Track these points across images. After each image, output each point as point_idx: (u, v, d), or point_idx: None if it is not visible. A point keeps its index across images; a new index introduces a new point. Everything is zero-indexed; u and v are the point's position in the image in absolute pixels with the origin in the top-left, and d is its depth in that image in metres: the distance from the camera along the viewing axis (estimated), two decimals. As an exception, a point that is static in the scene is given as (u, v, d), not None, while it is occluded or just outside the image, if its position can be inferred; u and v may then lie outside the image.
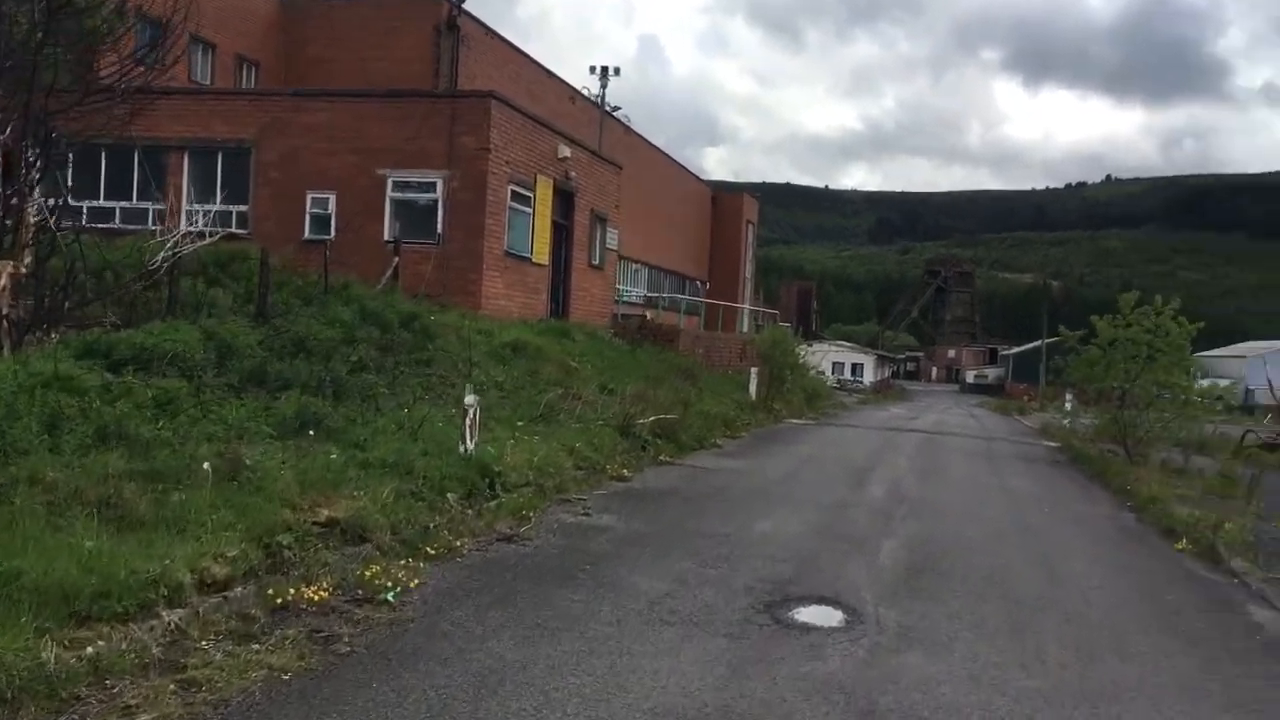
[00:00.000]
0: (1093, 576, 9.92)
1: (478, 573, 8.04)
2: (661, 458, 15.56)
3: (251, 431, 9.42)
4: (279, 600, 6.51)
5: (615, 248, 29.78)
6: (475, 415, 10.72)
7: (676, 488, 13.31)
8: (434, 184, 21.72)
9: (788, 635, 7.05)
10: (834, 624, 7.45)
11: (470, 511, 9.57)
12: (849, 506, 12.98)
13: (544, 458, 12.08)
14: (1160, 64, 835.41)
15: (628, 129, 42.88)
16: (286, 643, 5.95)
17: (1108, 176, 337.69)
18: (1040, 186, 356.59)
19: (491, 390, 15.21)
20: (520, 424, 13.79)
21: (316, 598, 6.66)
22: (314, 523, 7.54)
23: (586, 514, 10.83)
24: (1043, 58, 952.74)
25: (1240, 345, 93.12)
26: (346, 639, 6.20)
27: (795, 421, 28.09)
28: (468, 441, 10.62)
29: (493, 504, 10.01)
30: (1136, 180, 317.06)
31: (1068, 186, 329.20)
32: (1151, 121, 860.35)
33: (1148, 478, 17.37)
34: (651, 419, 16.45)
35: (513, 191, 22.67)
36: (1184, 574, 10.53)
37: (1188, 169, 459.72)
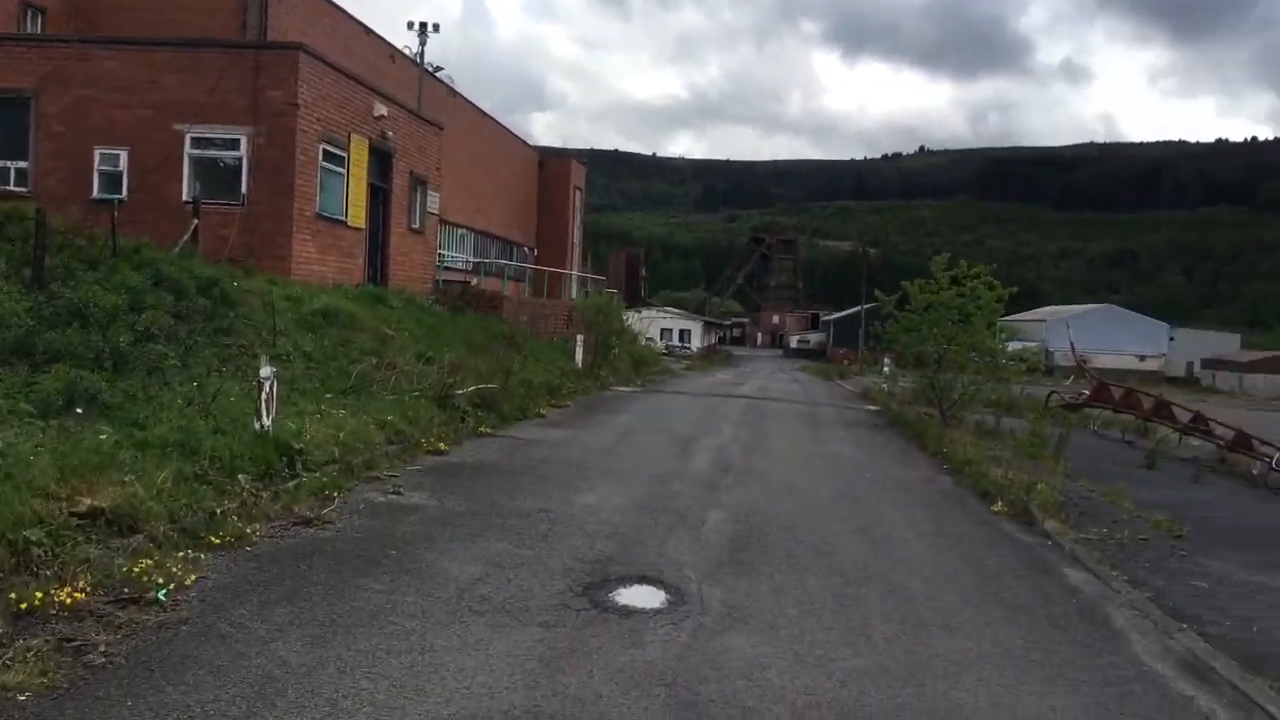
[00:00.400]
0: (915, 544, 9.86)
1: (268, 563, 7.29)
2: (481, 429, 14.92)
3: (5, 411, 8.36)
4: (23, 605, 5.64)
5: (436, 211, 28.76)
6: (272, 388, 9.86)
7: (496, 461, 12.71)
8: (238, 141, 20.39)
9: (607, 621, 6.60)
10: (656, 605, 7.05)
11: (266, 494, 8.75)
12: (674, 477, 12.65)
13: (352, 432, 11.30)
14: (968, 40, 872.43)
15: (452, 90, 41.50)
16: (28, 656, 5.11)
17: (921, 148, 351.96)
18: (859, 157, 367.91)
19: (298, 360, 14.31)
20: (329, 396, 12.98)
21: (70, 601, 5.82)
22: (73, 513, 6.66)
23: (397, 492, 10.13)
24: (859, 31, 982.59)
25: (1041, 309, 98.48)
26: (103, 648, 5.41)
27: (622, 389, 27.81)
28: (264, 417, 9.76)
29: (292, 485, 9.20)
30: (947, 152, 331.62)
31: (884, 157, 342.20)
32: (960, 95, 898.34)
33: (963, 440, 17.76)
34: (471, 389, 15.79)
35: (325, 150, 21.49)
36: (1001, 537, 10.61)
37: (993, 142, 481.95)
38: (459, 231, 39.52)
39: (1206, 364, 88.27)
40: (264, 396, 9.75)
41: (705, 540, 9.16)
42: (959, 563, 9.21)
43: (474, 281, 33.44)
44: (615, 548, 8.55)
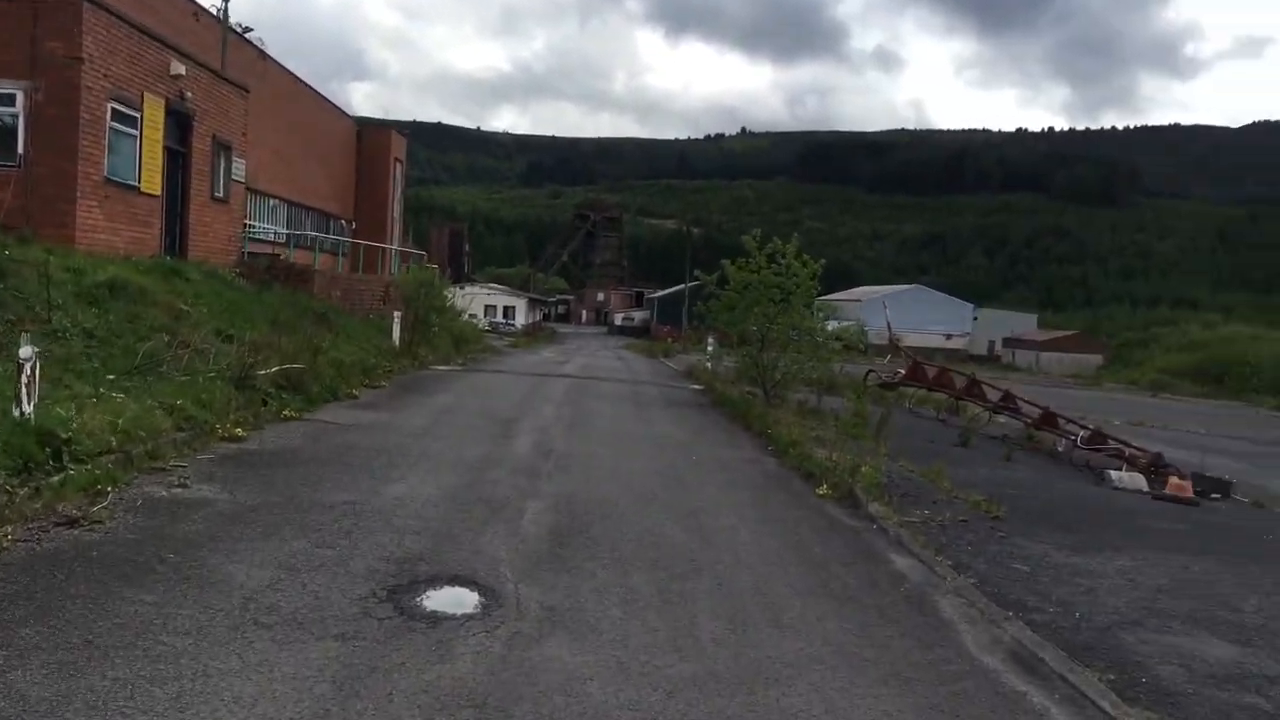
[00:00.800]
0: (741, 531, 9.54)
1: (18, 573, 6.31)
2: (286, 413, 13.88)
3: None
4: None
5: (243, 179, 27.05)
6: (34, 369, 8.74)
7: (299, 448, 11.77)
8: (13, 96, 18.48)
9: (412, 630, 5.96)
10: (468, 610, 6.45)
11: (23, 491, 7.69)
12: (492, 464, 12.00)
13: (134, 418, 10.19)
14: (786, 24, 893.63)
15: (262, 54, 39.15)
16: None
17: (742, 129, 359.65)
18: (682, 136, 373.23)
19: (76, 338, 12.99)
20: (110, 378, 11.75)
21: None
22: None
23: (183, 485, 9.16)
24: (682, 11, 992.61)
25: (856, 289, 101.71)
26: None
27: (442, 368, 26.88)
28: (25, 403, 8.65)
29: (56, 479, 8.14)
30: (767, 134, 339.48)
31: (707, 137, 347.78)
32: (779, 78, 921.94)
33: (786, 420, 17.74)
34: (275, 369, 14.71)
35: (114, 110, 19.75)
36: (828, 523, 10.42)
37: (811, 125, 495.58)
38: (270, 202, 37.56)
39: (1007, 342, 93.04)
40: (24, 379, 8.64)
41: (524, 534, 8.59)
42: (786, 551, 8.94)
43: (284, 254, 31.76)
44: (426, 544, 7.88)
